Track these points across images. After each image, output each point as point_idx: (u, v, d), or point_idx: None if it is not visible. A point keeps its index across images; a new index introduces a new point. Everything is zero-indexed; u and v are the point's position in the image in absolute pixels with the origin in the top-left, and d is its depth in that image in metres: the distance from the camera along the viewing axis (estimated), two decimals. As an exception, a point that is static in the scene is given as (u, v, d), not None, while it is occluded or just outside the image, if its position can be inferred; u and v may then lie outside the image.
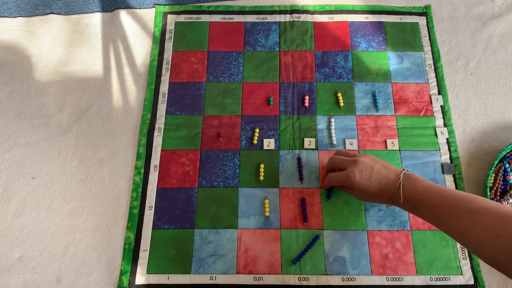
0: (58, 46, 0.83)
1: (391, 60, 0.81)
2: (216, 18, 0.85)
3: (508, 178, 0.69)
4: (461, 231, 0.47)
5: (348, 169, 0.60)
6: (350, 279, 0.64)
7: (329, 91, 0.78)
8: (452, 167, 0.72)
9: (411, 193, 0.54)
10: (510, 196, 0.68)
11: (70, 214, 0.70)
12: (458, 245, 0.66)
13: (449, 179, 0.71)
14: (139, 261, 0.66)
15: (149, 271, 0.65)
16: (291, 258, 0.66)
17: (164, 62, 0.81)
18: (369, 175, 0.58)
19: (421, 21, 0.85)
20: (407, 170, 0.58)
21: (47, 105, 0.78)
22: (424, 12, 0.86)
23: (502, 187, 0.69)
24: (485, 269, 0.65)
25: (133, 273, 0.65)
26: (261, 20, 0.85)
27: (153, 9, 0.87)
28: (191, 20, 0.85)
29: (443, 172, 0.72)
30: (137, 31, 0.85)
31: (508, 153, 0.71)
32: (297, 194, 0.70)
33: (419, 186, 0.54)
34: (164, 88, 0.79)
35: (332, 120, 0.75)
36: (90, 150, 0.74)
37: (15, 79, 0.81)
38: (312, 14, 0.85)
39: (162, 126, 0.75)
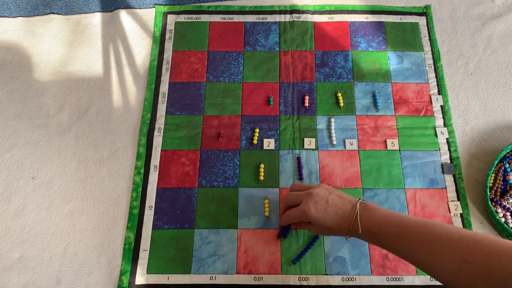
0: (58, 46, 0.83)
1: (391, 60, 0.81)
2: (216, 18, 0.85)
3: (508, 178, 0.69)
4: (426, 258, 0.46)
5: (303, 203, 0.57)
6: (350, 279, 0.64)
7: (329, 91, 0.78)
8: (452, 167, 0.72)
9: (370, 223, 0.52)
10: (510, 196, 0.68)
11: (70, 214, 0.70)
12: (458, 245, 0.66)
13: (449, 179, 0.71)
14: (139, 261, 0.66)
15: (149, 271, 0.65)
16: (291, 258, 0.66)
17: (164, 62, 0.81)
18: (324, 207, 0.55)
19: (421, 21, 0.85)
20: (362, 199, 0.56)
21: (47, 105, 0.78)
22: (424, 12, 0.86)
23: (502, 187, 0.69)
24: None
25: (133, 273, 0.65)
26: (261, 20, 0.85)
27: (153, 9, 0.87)
28: (191, 20, 0.85)
29: (443, 172, 0.72)
30: (137, 31, 0.85)
31: (508, 153, 0.71)
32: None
33: (377, 215, 0.52)
34: (164, 88, 0.79)
35: (332, 120, 0.75)
36: (90, 150, 0.74)
37: (15, 79, 0.81)
38: (312, 14, 0.85)
39: (162, 126, 0.75)
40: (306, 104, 0.77)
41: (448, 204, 0.69)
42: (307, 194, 0.58)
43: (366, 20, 0.85)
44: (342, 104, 0.77)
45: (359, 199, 0.56)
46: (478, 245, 0.43)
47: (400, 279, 0.64)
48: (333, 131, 0.74)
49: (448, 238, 0.45)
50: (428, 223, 0.49)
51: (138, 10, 0.87)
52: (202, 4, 0.86)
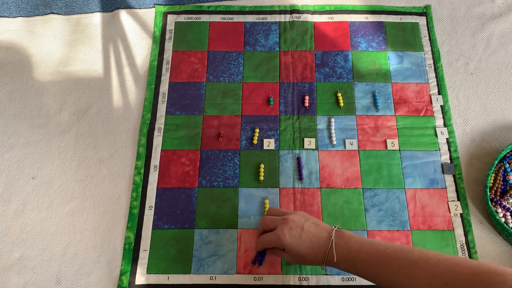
0: (58, 46, 0.83)
1: (391, 60, 0.81)
2: (216, 18, 0.85)
3: (508, 178, 0.69)
4: (406, 284, 0.46)
5: (278, 228, 0.56)
6: (350, 279, 0.64)
7: (329, 91, 0.78)
8: (452, 167, 0.72)
9: (346, 251, 0.51)
10: (510, 196, 0.68)
11: (70, 214, 0.70)
12: (458, 244, 0.66)
13: (449, 179, 0.71)
14: (139, 261, 0.66)
15: (149, 271, 0.65)
16: (291, 258, 0.66)
17: (164, 62, 0.81)
18: (299, 233, 0.54)
19: (421, 21, 0.85)
20: (338, 227, 0.55)
21: (47, 105, 0.78)
22: (424, 12, 0.86)
23: (502, 187, 0.69)
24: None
25: (133, 273, 0.65)
26: (261, 20, 0.85)
27: (153, 9, 0.87)
28: (191, 20, 0.85)
29: (443, 172, 0.72)
30: (137, 31, 0.85)
31: (508, 153, 0.71)
32: (297, 194, 0.70)
33: (353, 242, 0.51)
34: (164, 88, 0.79)
35: (332, 120, 0.75)
36: (90, 150, 0.74)
37: (15, 79, 0.81)
38: (312, 14, 0.85)
39: (162, 126, 0.75)
40: (306, 104, 0.77)
41: (448, 204, 0.69)
42: (282, 219, 0.56)
43: (366, 20, 0.85)
44: (342, 104, 0.77)
45: (335, 227, 0.55)
46: (457, 268, 0.43)
47: (400, 279, 0.64)
48: (333, 131, 0.74)
49: (426, 262, 0.45)
50: (405, 248, 0.48)
51: (138, 10, 0.87)
52: (202, 4, 0.86)
